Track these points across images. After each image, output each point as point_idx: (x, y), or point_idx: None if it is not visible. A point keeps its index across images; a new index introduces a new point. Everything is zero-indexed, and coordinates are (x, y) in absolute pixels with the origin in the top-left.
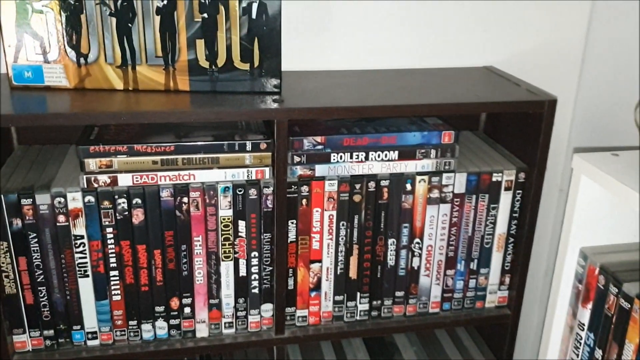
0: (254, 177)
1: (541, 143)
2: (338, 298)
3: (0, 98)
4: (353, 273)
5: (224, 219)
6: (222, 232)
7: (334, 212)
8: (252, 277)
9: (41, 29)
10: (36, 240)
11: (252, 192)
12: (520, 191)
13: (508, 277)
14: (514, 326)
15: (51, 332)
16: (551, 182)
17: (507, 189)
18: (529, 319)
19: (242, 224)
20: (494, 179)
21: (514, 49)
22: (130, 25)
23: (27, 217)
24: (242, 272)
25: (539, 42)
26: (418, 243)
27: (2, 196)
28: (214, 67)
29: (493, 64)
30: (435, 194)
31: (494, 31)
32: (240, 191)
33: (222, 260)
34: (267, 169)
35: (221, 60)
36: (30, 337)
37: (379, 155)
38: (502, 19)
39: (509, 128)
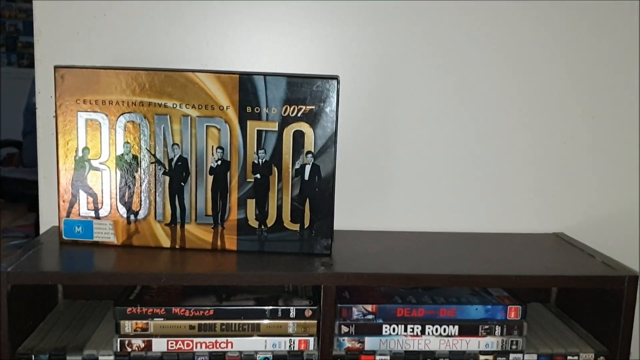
0: (296, 348)
1: (623, 324)
2: None
3: (49, 253)
4: None
5: None
6: None
7: None
8: None
9: (96, 185)
10: None
11: None
12: None
13: None
14: None
15: None
16: None
17: None
18: None
19: None
20: None
21: (587, 214)
22: (182, 184)
23: None
24: None
25: (613, 208)
26: None
27: (33, 357)
28: (263, 227)
29: (563, 231)
30: None
31: (565, 195)
32: None
33: None
34: (311, 339)
35: (271, 220)
36: None
37: (436, 330)
38: (573, 183)
39: (584, 302)
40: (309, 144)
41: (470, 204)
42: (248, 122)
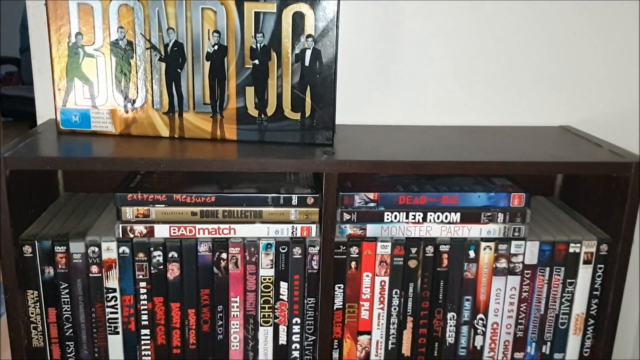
0: (299, 235)
1: (627, 211)
2: None
3: (47, 142)
4: (406, 349)
5: (264, 279)
6: (262, 294)
7: (386, 278)
8: (293, 347)
9: (91, 73)
10: (67, 291)
11: (297, 251)
12: (602, 265)
13: None
14: None
15: None
16: (638, 255)
17: (587, 262)
18: None
19: (284, 286)
20: (571, 250)
21: (594, 108)
22: (179, 70)
23: (59, 266)
24: (282, 339)
25: (622, 101)
26: (482, 319)
27: (36, 242)
28: (263, 116)
29: (570, 124)
30: (502, 263)
31: (572, 88)
32: (283, 249)
33: (261, 326)
34: (313, 226)
35: (271, 109)
36: None
37: (438, 217)
38: (580, 75)
39: (588, 193)
40: (310, 26)
41: (475, 97)
42: (245, 3)
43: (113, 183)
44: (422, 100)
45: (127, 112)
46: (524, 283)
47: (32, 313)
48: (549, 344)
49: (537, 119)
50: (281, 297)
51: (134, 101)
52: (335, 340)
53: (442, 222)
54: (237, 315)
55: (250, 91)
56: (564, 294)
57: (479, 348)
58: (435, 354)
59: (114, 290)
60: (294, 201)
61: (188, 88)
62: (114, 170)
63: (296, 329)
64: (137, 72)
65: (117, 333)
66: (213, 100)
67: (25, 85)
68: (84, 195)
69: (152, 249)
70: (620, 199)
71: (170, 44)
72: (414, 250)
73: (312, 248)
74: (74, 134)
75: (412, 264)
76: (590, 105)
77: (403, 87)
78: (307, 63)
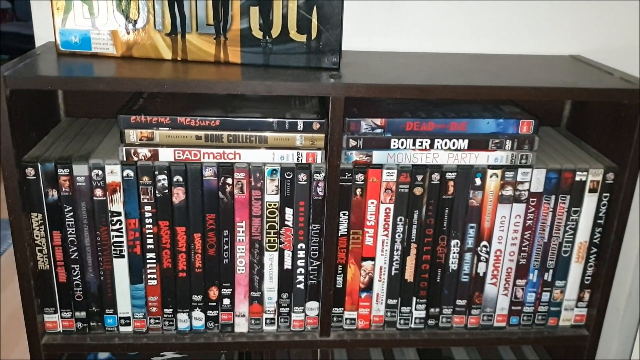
0: (304, 161)
1: (636, 138)
2: (391, 302)
3: (47, 62)
4: (409, 275)
5: (270, 205)
6: (268, 219)
7: (391, 205)
8: (298, 271)
9: None
10: (72, 214)
11: (302, 177)
12: (607, 194)
13: (588, 292)
14: (592, 350)
15: (83, 314)
16: None
17: (592, 190)
18: (608, 344)
19: (289, 212)
20: (577, 178)
21: (605, 38)
22: None
23: (63, 189)
24: (287, 264)
25: (635, 32)
26: (485, 246)
27: (39, 165)
28: (267, 38)
29: (581, 53)
30: (508, 191)
31: (583, 17)
32: (288, 175)
33: (266, 250)
34: (319, 153)
35: (276, 31)
36: (61, 317)
37: (445, 144)
38: (593, 4)
39: (596, 122)
40: None
41: (484, 25)
42: None
43: (114, 109)
44: (431, 27)
45: (128, 33)
46: (529, 211)
47: (37, 236)
48: (551, 271)
49: (547, 47)
50: (286, 222)
51: (136, 22)
52: (340, 266)
53: (449, 149)
54: (242, 240)
55: (254, 11)
56: (568, 222)
57: (481, 275)
58: (438, 280)
59: (119, 213)
60: (300, 126)
61: (191, 8)
62: (117, 90)
63: (301, 254)
64: None
65: (123, 256)
66: (216, 21)
67: (19, 21)
68: (86, 121)
69: (156, 172)
70: (629, 128)
71: None
72: (419, 177)
73: (317, 174)
74: (74, 55)
75: (418, 191)
76: (601, 35)
77: (411, 13)
78: None
